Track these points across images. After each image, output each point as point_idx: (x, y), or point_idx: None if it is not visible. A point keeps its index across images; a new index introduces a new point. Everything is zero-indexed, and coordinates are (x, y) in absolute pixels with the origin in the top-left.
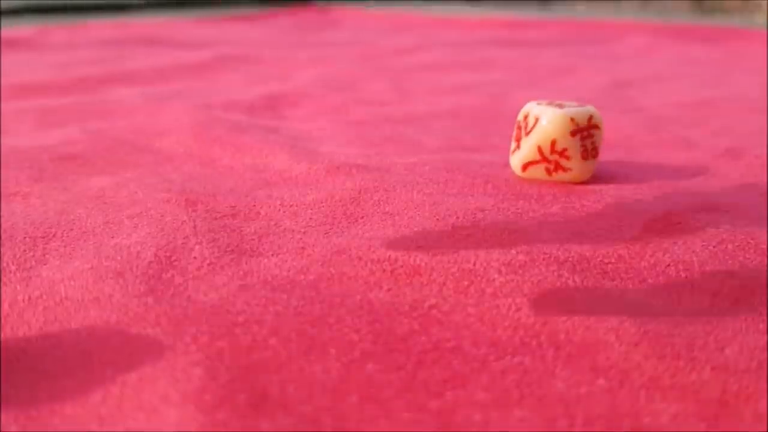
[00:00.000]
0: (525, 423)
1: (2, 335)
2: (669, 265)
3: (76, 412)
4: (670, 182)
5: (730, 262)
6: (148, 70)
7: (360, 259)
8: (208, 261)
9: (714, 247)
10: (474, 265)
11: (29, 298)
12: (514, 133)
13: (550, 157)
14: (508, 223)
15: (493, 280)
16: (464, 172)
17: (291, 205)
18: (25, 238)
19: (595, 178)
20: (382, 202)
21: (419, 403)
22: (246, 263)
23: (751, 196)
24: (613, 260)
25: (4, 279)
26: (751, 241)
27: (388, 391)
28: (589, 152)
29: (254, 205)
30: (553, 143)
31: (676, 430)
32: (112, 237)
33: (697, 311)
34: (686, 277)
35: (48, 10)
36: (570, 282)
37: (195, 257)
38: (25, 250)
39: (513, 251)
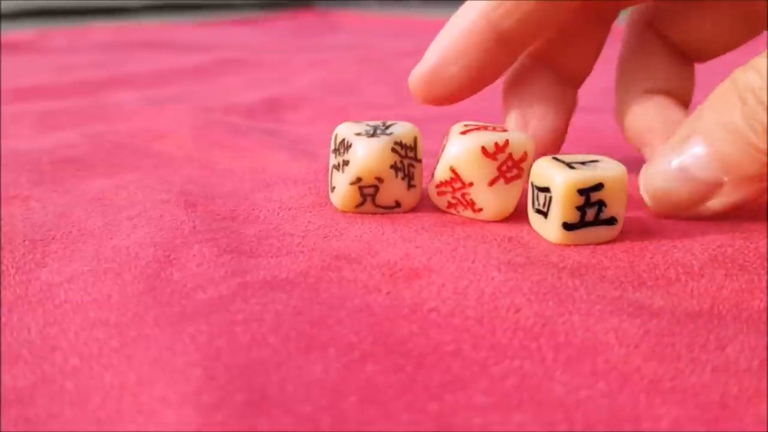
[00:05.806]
0: (524, 427)
1: (2, 338)
2: (668, 268)
3: (74, 415)
4: None
5: (729, 265)
6: (148, 73)
7: (359, 263)
8: (207, 259)
9: (713, 250)
10: (473, 262)
11: (29, 301)
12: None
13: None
14: (506, 228)
15: (493, 278)
16: None
17: (290, 208)
18: (24, 241)
19: None
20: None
21: (418, 406)
22: (245, 263)
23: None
24: (612, 265)
25: (3, 282)
26: (750, 245)
27: (388, 393)
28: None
29: (253, 209)
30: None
31: None
32: (111, 238)
33: (697, 314)
34: (685, 280)
35: (48, 13)
36: (569, 283)
37: (194, 255)
38: (24, 253)
39: (512, 253)
